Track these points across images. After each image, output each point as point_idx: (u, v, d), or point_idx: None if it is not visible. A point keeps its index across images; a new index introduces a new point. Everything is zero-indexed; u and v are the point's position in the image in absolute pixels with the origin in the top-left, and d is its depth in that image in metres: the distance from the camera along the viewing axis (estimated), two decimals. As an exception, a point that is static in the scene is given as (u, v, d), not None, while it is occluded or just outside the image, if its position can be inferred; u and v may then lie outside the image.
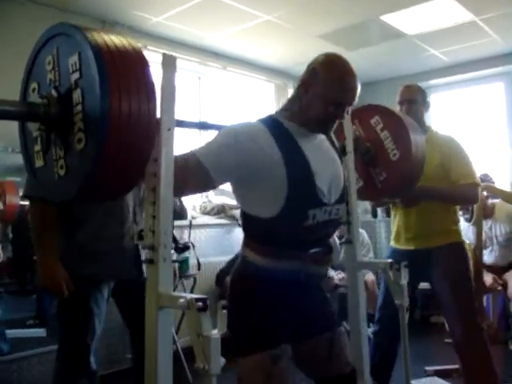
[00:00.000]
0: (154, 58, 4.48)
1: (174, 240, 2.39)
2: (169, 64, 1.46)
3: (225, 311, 1.31)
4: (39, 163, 1.35)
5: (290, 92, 5.99)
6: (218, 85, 5.54)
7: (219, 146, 1.68)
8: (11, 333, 3.63)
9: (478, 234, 3.47)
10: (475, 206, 3.47)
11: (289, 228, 1.74)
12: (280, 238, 1.76)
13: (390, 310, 2.71)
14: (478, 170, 5.32)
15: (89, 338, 2.28)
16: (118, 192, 1.35)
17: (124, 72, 1.19)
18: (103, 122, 1.14)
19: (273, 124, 1.77)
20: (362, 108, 2.46)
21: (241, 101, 5.80)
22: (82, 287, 2.24)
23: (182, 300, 1.30)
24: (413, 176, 2.40)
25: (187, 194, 2.03)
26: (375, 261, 2.34)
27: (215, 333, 1.28)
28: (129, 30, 4.25)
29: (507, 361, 3.83)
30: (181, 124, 1.63)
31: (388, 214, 3.16)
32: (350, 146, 2.25)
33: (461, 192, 2.83)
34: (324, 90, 1.75)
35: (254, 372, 1.64)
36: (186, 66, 4.98)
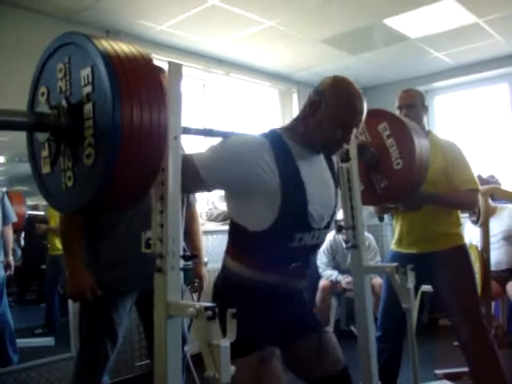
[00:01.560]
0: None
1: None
2: (175, 72, 1.47)
3: (235, 320, 1.31)
4: (46, 170, 1.35)
5: (295, 97, 6.02)
6: (222, 91, 5.55)
7: (218, 158, 1.70)
8: (20, 342, 3.64)
9: (485, 236, 3.46)
10: (482, 208, 3.46)
11: (273, 245, 1.76)
12: (263, 251, 1.78)
13: (393, 314, 2.74)
14: (485, 172, 5.36)
15: (109, 349, 2.30)
16: (126, 205, 1.36)
17: (136, 85, 1.19)
18: (114, 140, 1.13)
19: (276, 142, 1.76)
20: (370, 112, 2.45)
21: (245, 107, 5.81)
22: (106, 297, 2.26)
23: (191, 309, 1.31)
24: (413, 185, 2.42)
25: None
26: (381, 265, 2.34)
27: (225, 341, 1.28)
28: (133, 38, 4.27)
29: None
30: (187, 131, 1.64)
31: (381, 218, 3.17)
32: (353, 152, 2.26)
33: (461, 198, 2.84)
34: (332, 113, 1.76)
35: (244, 374, 1.63)
36: (190, 73, 5.00)
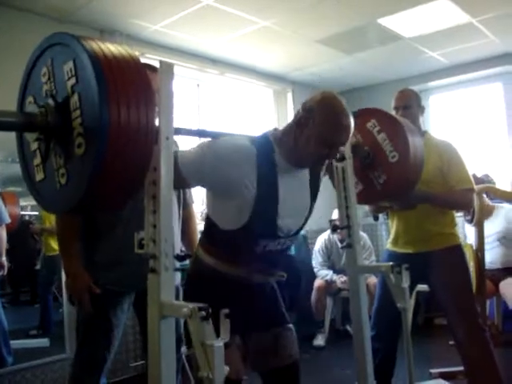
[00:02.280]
0: (152, 65, 4.51)
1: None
2: (166, 71, 1.46)
3: (228, 320, 1.31)
4: (40, 176, 1.36)
5: (289, 97, 6.02)
6: (216, 91, 5.54)
7: (200, 159, 1.73)
8: (14, 343, 3.62)
9: (480, 235, 3.47)
10: (476, 207, 3.47)
11: (239, 245, 1.83)
12: (231, 248, 1.85)
13: (388, 313, 2.74)
14: (479, 171, 5.37)
15: (106, 350, 2.29)
16: (119, 199, 1.35)
17: (120, 73, 1.20)
18: (103, 124, 1.15)
19: (264, 155, 1.79)
20: (358, 113, 2.46)
21: (240, 107, 5.80)
22: (103, 298, 2.25)
23: (184, 309, 1.31)
24: (413, 177, 2.41)
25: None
26: (376, 264, 2.35)
27: (218, 341, 1.28)
28: (127, 38, 4.25)
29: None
30: (178, 132, 1.64)
31: (375, 217, 3.17)
32: (348, 152, 2.26)
33: (457, 197, 2.85)
34: (319, 131, 1.77)
35: None
36: (184, 73, 4.99)
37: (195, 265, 1.97)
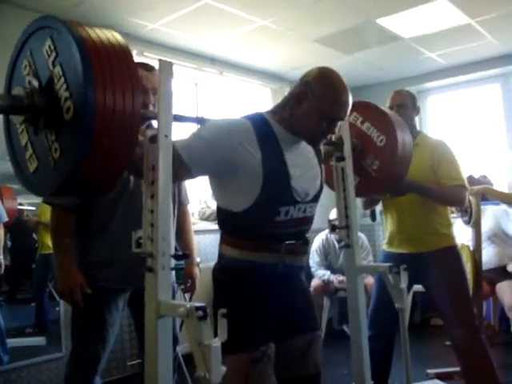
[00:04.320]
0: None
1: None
2: (166, 70, 1.46)
3: (225, 319, 1.30)
4: (33, 166, 1.34)
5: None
6: (214, 90, 5.54)
7: (199, 141, 1.69)
8: (11, 341, 3.61)
9: (477, 236, 3.47)
10: (474, 208, 3.47)
11: (260, 221, 1.77)
12: (253, 230, 1.78)
13: (384, 314, 2.77)
14: (477, 172, 5.37)
15: (101, 349, 2.28)
16: (108, 176, 1.32)
17: (101, 44, 1.25)
18: (87, 82, 1.16)
19: (260, 122, 1.78)
20: None
21: (238, 106, 5.80)
22: (97, 296, 2.24)
23: (181, 308, 1.30)
24: (404, 155, 2.42)
25: None
26: (375, 264, 2.34)
27: (216, 341, 1.27)
28: (125, 36, 4.21)
29: (510, 363, 3.83)
30: (179, 119, 1.61)
31: (373, 218, 3.16)
32: (348, 152, 2.26)
33: (448, 193, 2.85)
34: (318, 105, 1.76)
35: (233, 372, 1.60)
36: (182, 72, 4.98)
37: (220, 265, 1.87)
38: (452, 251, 2.91)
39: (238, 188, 1.75)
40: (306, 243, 1.93)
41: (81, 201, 2.21)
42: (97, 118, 1.17)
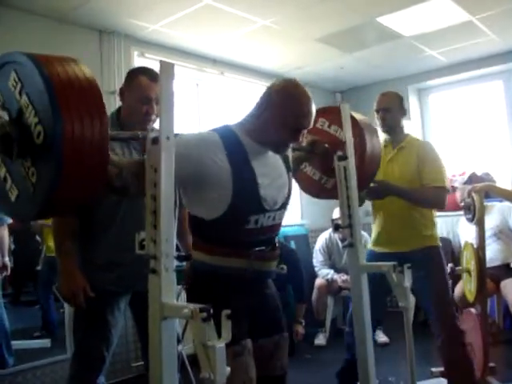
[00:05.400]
0: (151, 65, 4.50)
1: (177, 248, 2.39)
2: (167, 71, 1.46)
3: (230, 321, 1.31)
4: (14, 194, 1.38)
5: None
6: (216, 91, 5.53)
7: None
8: (15, 344, 3.62)
9: (481, 234, 3.45)
10: (477, 205, 3.45)
11: (231, 230, 1.82)
12: (223, 238, 1.83)
13: None
14: (479, 169, 5.37)
15: (104, 350, 2.29)
16: (85, 192, 1.37)
17: (63, 71, 1.27)
18: (54, 110, 1.20)
19: (228, 134, 1.84)
20: None
21: (239, 106, 5.79)
22: (100, 298, 2.24)
23: (185, 310, 1.30)
24: (373, 154, 2.47)
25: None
26: (378, 263, 2.34)
27: (220, 342, 1.27)
28: (125, 38, 4.25)
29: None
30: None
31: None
32: (350, 150, 2.27)
33: (426, 194, 2.91)
34: (280, 115, 1.82)
35: None
36: (183, 72, 4.98)
37: (193, 268, 1.92)
38: (434, 251, 2.98)
39: (209, 198, 1.80)
40: (275, 249, 1.99)
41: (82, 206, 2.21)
42: (65, 141, 1.22)
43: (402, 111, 3.08)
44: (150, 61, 4.48)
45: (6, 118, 1.32)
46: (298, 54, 5.13)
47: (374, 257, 2.97)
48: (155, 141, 1.43)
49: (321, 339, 4.94)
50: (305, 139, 2.35)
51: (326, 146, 2.46)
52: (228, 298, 1.75)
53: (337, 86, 6.45)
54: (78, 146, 1.24)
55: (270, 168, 1.92)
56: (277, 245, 2.01)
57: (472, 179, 5.30)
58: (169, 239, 1.41)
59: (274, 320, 2.01)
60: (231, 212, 1.78)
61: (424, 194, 2.90)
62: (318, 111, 2.62)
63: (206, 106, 5.38)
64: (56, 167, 1.23)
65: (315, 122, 2.51)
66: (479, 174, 5.56)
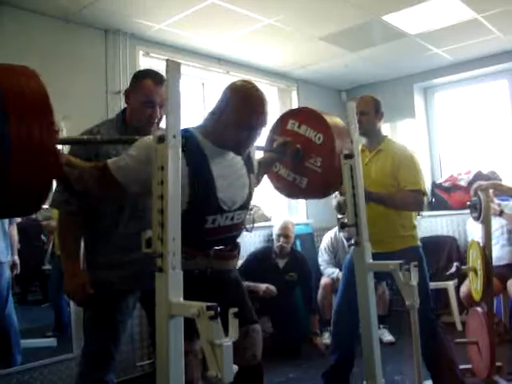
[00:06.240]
0: (157, 64, 4.50)
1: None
2: (173, 70, 1.46)
3: (237, 319, 1.31)
4: None
5: (294, 95, 6.02)
6: (221, 90, 5.52)
7: (131, 160, 1.80)
8: (22, 343, 3.63)
9: (487, 232, 3.44)
10: (483, 204, 3.44)
11: (189, 230, 1.82)
12: (183, 238, 1.82)
13: (349, 310, 2.84)
14: (485, 168, 5.36)
15: (112, 347, 2.30)
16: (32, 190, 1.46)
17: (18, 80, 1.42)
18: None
19: (186, 137, 1.87)
20: (276, 123, 2.76)
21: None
22: (108, 296, 2.26)
23: (193, 308, 1.30)
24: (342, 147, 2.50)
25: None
26: (385, 262, 2.34)
27: (227, 340, 1.27)
28: (131, 37, 4.25)
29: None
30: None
31: (340, 211, 3.20)
32: (356, 149, 2.27)
33: (403, 197, 2.97)
34: (235, 116, 1.91)
35: None
36: (189, 72, 4.98)
37: None
38: (413, 250, 3.03)
39: None
40: (234, 249, 2.09)
41: (86, 205, 2.22)
42: (13, 145, 1.33)
43: (379, 114, 3.14)
44: (156, 60, 4.49)
45: None
46: (303, 52, 5.12)
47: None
48: (161, 139, 1.44)
49: (326, 338, 4.93)
50: (275, 142, 2.54)
51: (298, 146, 2.55)
52: (189, 298, 1.78)
53: (342, 85, 6.43)
54: (22, 139, 1.34)
55: (229, 170, 2.01)
56: (237, 244, 2.11)
57: (477, 177, 5.29)
58: (176, 238, 1.41)
59: (239, 313, 2.03)
60: (189, 212, 1.82)
61: (402, 198, 2.96)
62: (286, 114, 2.78)
63: (211, 104, 5.37)
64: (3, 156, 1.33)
65: (285, 124, 2.69)
66: (485, 172, 5.54)
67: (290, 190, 2.70)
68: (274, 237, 4.76)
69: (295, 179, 2.62)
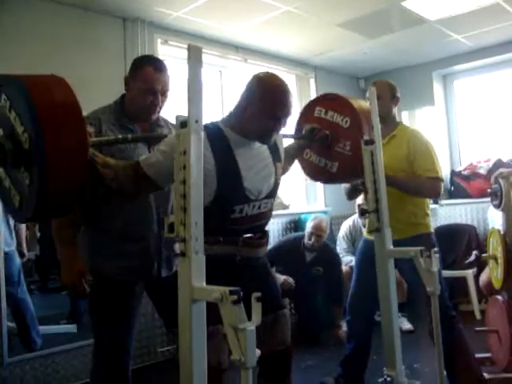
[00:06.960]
0: (175, 52, 4.50)
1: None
2: (195, 55, 1.46)
3: (260, 303, 1.32)
4: (17, 200, 1.60)
5: (312, 82, 5.98)
6: (239, 78, 5.51)
7: (160, 155, 1.89)
8: (43, 329, 3.68)
9: (508, 220, 3.41)
10: (504, 191, 3.41)
11: (217, 219, 1.94)
12: (212, 227, 1.82)
13: (364, 298, 2.93)
14: (505, 156, 5.28)
15: (124, 335, 2.27)
16: (71, 189, 1.58)
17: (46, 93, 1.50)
18: (34, 118, 1.43)
19: (213, 130, 2.00)
20: (303, 111, 2.86)
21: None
22: (113, 287, 2.22)
23: (215, 293, 1.30)
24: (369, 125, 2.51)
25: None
26: (405, 248, 2.32)
27: (250, 324, 1.27)
28: (149, 25, 4.25)
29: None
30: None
31: (350, 197, 3.17)
32: (377, 136, 2.26)
33: (420, 184, 2.94)
34: (261, 107, 1.97)
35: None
36: (207, 59, 4.97)
37: None
38: (426, 237, 2.97)
39: None
40: (263, 237, 2.14)
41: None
42: (47, 145, 1.43)
43: (395, 99, 3.10)
44: (174, 48, 4.49)
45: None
46: (321, 39, 5.09)
47: (367, 245, 2.94)
48: (184, 124, 1.44)
49: (345, 326, 4.93)
50: (304, 129, 2.61)
51: (326, 132, 2.60)
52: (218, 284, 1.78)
53: (360, 72, 6.39)
54: (58, 149, 1.45)
55: (255, 160, 2.07)
56: (266, 232, 2.16)
57: (498, 165, 5.23)
58: (198, 222, 1.41)
59: (266, 299, 2.02)
60: (217, 203, 1.92)
61: (419, 184, 2.93)
62: (312, 101, 2.85)
63: (229, 93, 5.37)
64: (41, 167, 1.44)
65: (312, 111, 2.74)
66: (505, 160, 5.48)
67: (323, 175, 2.76)
68: (306, 233, 4.71)
69: (326, 164, 2.68)
